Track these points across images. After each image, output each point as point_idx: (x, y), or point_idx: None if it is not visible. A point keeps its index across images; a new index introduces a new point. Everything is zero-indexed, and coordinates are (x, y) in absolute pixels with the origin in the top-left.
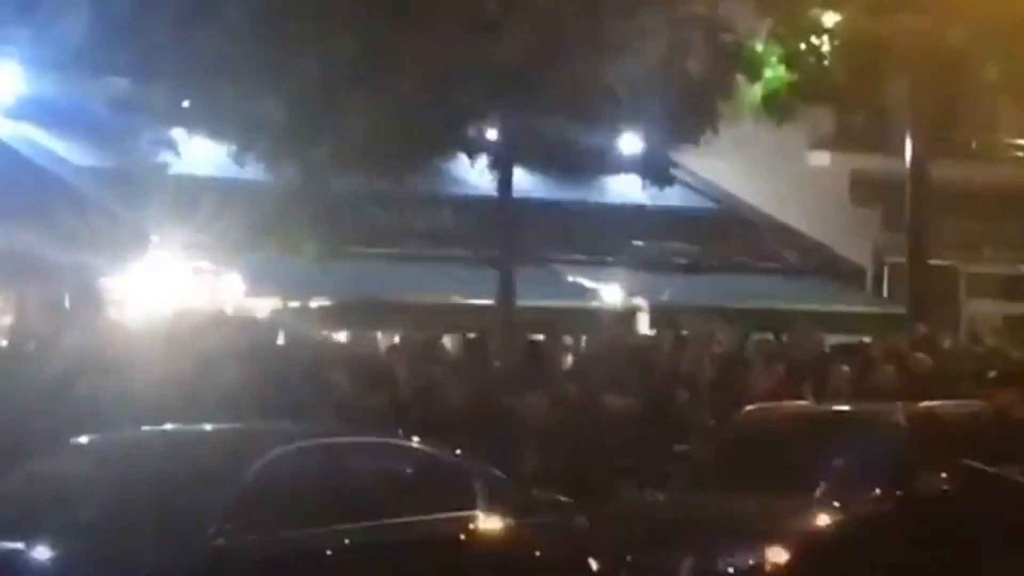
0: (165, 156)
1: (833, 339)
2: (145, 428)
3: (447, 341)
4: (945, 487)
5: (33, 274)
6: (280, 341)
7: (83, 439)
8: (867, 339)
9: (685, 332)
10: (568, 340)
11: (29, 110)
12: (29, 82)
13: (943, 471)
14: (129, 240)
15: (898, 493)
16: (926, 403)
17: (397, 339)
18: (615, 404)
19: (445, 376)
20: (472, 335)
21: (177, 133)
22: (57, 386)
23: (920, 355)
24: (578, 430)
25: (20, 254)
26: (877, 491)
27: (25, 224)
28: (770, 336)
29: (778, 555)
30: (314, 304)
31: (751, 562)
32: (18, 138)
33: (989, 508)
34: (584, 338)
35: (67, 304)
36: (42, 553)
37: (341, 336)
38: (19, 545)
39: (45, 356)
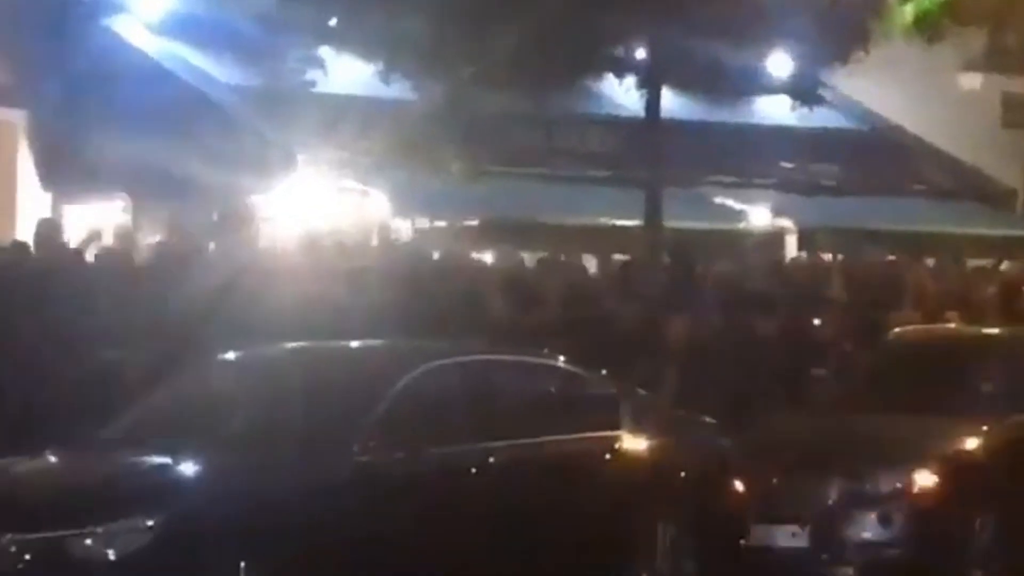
0: (312, 74)
1: (982, 262)
2: (291, 344)
3: (593, 262)
4: None
5: (182, 192)
6: (428, 260)
7: (230, 355)
8: (1016, 262)
9: (831, 255)
10: (715, 261)
11: (177, 27)
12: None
13: None
14: (276, 159)
15: None
16: None
17: (545, 259)
18: (760, 326)
19: (594, 297)
20: (622, 257)
21: (324, 51)
22: (205, 303)
23: None
24: (723, 352)
25: (169, 172)
26: None
27: (174, 142)
28: (918, 259)
29: (924, 479)
30: (459, 223)
31: (897, 485)
32: (166, 55)
33: None
34: (731, 260)
35: (215, 222)
36: (189, 468)
37: (487, 255)
38: (167, 459)
39: (193, 274)
